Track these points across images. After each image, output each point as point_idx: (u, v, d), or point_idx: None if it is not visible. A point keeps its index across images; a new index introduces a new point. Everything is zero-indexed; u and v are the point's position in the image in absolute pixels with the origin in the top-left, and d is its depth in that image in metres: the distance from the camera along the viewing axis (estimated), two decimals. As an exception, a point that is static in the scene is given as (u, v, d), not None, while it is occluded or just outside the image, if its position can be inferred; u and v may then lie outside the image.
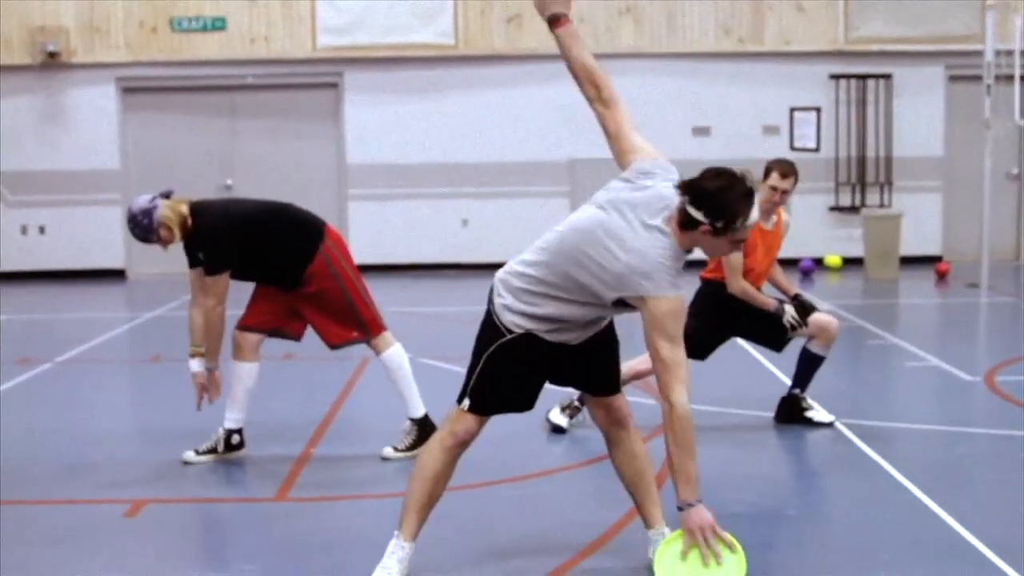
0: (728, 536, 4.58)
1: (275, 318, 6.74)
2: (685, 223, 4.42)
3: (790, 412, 7.40)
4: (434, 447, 4.79)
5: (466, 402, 4.72)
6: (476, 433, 4.77)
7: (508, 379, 4.69)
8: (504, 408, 4.78)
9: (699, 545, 4.54)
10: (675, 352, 4.39)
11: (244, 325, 6.77)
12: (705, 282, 7.36)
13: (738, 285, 7.19)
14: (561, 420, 7.25)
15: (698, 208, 4.39)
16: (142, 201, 6.51)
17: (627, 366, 7.06)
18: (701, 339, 7.07)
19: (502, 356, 4.66)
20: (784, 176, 7.18)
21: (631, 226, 4.44)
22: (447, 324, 11.85)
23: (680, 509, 4.57)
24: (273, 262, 6.60)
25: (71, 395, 8.98)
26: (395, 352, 6.79)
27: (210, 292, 6.50)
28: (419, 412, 6.77)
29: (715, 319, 7.22)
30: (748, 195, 4.44)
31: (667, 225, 4.44)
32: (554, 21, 4.84)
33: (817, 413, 7.35)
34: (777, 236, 7.39)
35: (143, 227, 6.50)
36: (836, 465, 6.72)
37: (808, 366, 7.41)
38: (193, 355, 6.68)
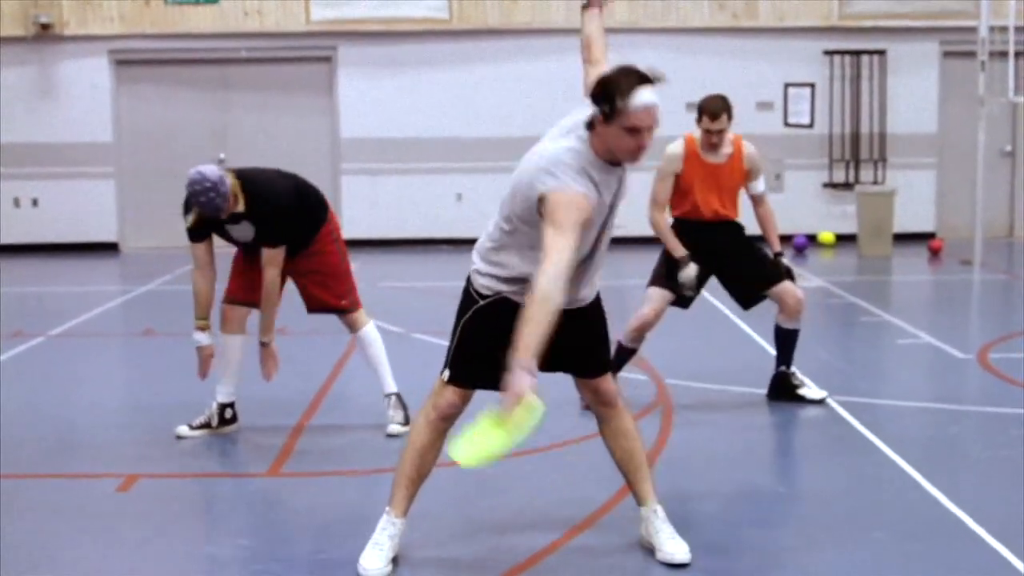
0: (534, 399, 4.20)
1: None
2: (589, 124, 4.45)
3: (781, 389, 7.40)
4: (420, 421, 4.81)
5: (446, 373, 4.75)
6: (460, 406, 4.77)
7: (484, 348, 4.65)
8: (483, 381, 4.70)
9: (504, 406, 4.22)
10: (557, 240, 4.24)
11: (231, 298, 6.78)
12: (676, 220, 7.36)
13: (651, 215, 7.25)
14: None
15: (593, 103, 4.42)
16: (213, 171, 6.28)
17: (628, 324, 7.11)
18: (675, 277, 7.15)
19: (478, 323, 4.68)
20: (713, 117, 7.06)
21: (550, 139, 4.53)
22: (441, 299, 11.82)
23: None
24: (301, 231, 6.65)
25: (64, 369, 8.97)
26: (372, 328, 6.90)
27: (273, 262, 6.48)
28: (394, 388, 6.88)
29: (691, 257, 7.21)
30: (629, 75, 4.38)
31: (583, 133, 4.47)
32: (586, 5, 5.17)
33: (809, 390, 7.36)
34: (732, 170, 7.23)
35: (222, 196, 6.28)
36: (828, 443, 6.74)
37: (782, 341, 7.38)
38: (200, 328, 6.65)
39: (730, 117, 7.12)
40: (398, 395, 6.86)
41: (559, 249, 4.23)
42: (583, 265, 4.57)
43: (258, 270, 6.64)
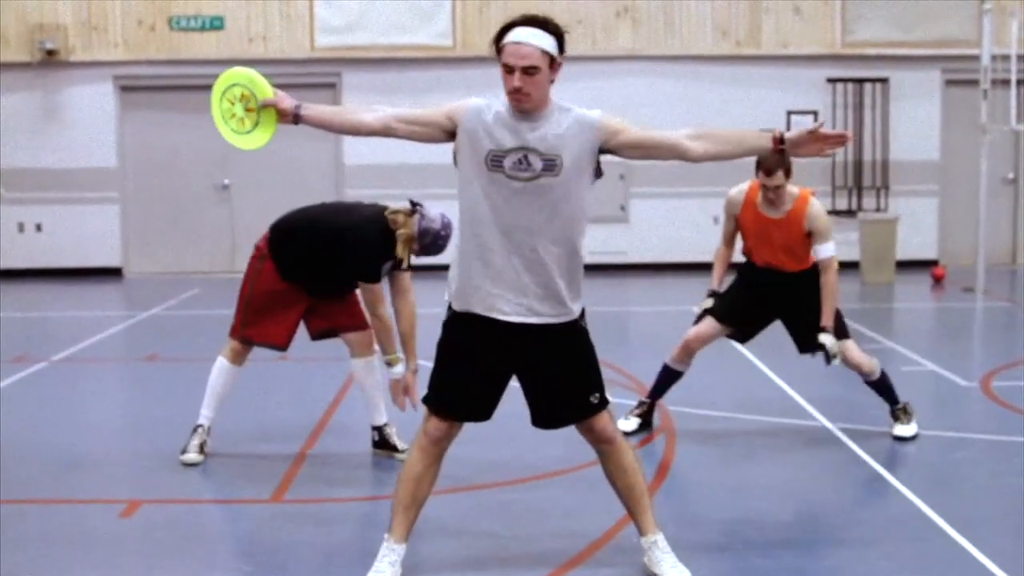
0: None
1: (288, 328, 6.77)
2: None
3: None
4: (414, 448, 4.83)
5: (423, 393, 4.83)
6: (448, 432, 4.77)
7: (454, 367, 4.72)
8: (456, 405, 4.75)
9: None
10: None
11: (267, 342, 6.79)
12: (744, 259, 7.33)
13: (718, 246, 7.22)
14: (629, 425, 7.26)
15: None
16: (442, 215, 6.42)
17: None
18: (743, 318, 7.15)
19: (446, 339, 4.78)
20: (768, 173, 6.82)
21: None
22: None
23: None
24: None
25: (67, 394, 8.97)
26: (375, 358, 6.88)
27: (382, 298, 6.57)
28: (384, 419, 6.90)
29: (751, 299, 7.20)
30: (516, 21, 4.50)
31: None
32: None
33: (902, 428, 7.23)
34: (789, 227, 6.98)
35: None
36: (831, 470, 6.73)
37: (874, 389, 7.35)
38: (391, 363, 6.62)
39: (788, 174, 6.84)
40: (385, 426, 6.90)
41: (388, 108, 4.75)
42: (487, 238, 4.59)
43: (295, 310, 6.66)
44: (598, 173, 4.65)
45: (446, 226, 6.40)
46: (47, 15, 16.62)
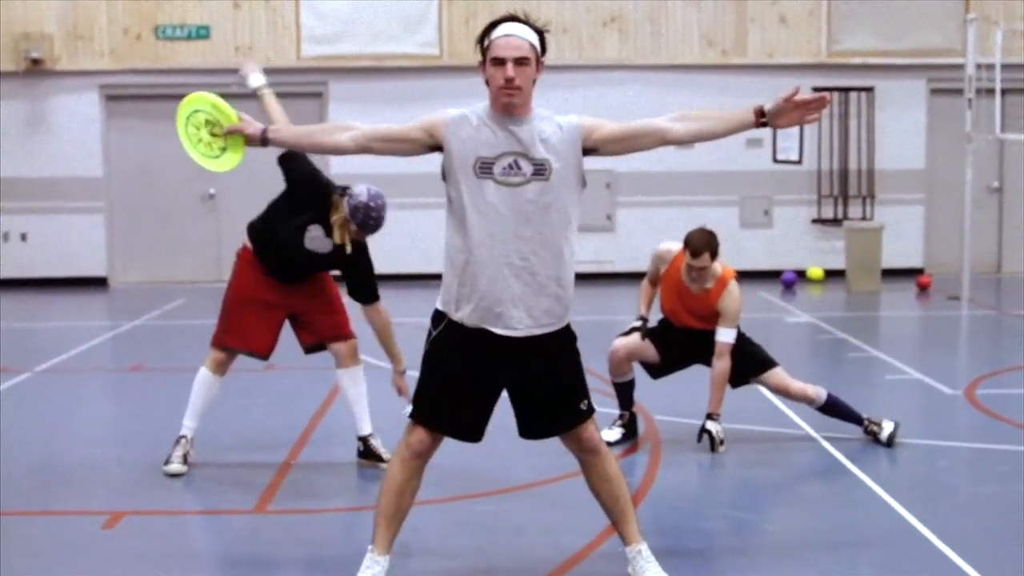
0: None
1: (268, 335, 6.76)
2: (486, 81, 4.59)
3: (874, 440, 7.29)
4: (395, 459, 4.80)
5: (408, 408, 4.76)
6: (431, 445, 4.75)
7: (442, 384, 4.68)
8: (444, 421, 4.72)
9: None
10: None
11: (247, 349, 6.77)
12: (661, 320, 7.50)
13: (644, 281, 7.43)
14: (613, 435, 7.26)
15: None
16: (369, 188, 6.49)
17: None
18: (666, 348, 7.33)
19: (437, 352, 4.70)
20: (695, 254, 6.92)
21: None
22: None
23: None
24: None
25: (50, 404, 8.94)
26: (360, 368, 6.87)
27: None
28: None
29: (674, 340, 7.36)
30: (502, 18, 4.56)
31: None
32: None
33: (880, 430, 7.26)
34: (707, 304, 7.13)
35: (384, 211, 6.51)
36: (815, 479, 6.74)
37: (831, 414, 7.40)
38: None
39: (714, 255, 6.95)
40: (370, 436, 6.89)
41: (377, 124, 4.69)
42: (480, 249, 4.56)
43: (275, 317, 6.68)
44: (583, 182, 4.65)
45: (374, 197, 6.41)
46: (32, 24, 16.60)
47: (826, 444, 7.26)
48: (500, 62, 4.48)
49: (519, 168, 4.52)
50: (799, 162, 17.14)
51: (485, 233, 4.53)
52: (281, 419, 8.08)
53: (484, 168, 4.52)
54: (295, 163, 6.56)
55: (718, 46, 17.05)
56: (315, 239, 6.54)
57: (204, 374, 6.79)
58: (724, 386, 7.19)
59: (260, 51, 16.79)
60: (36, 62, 16.51)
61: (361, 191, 6.40)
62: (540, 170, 4.53)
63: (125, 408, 9.13)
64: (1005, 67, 14.21)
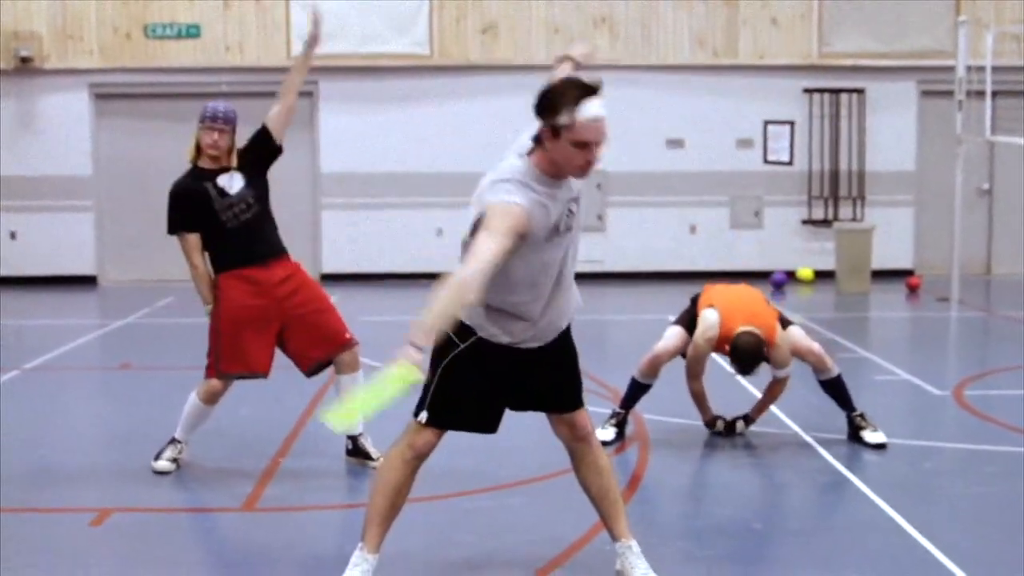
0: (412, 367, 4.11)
1: (266, 351, 6.67)
2: (535, 139, 4.45)
3: (850, 433, 7.34)
4: (394, 459, 4.76)
5: (423, 415, 4.69)
6: (435, 445, 4.76)
7: (464, 394, 4.67)
8: (463, 425, 4.76)
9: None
10: (486, 241, 4.24)
11: (248, 371, 6.68)
12: None
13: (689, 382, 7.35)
14: (607, 434, 7.26)
15: (537, 116, 4.40)
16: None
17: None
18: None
19: (458, 368, 4.65)
20: (745, 372, 7.22)
21: (499, 164, 4.54)
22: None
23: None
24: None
25: (38, 402, 8.92)
26: (360, 373, 6.77)
27: (196, 248, 6.68)
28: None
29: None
30: (575, 87, 4.37)
31: (527, 154, 4.47)
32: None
33: (870, 434, 7.27)
34: None
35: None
36: (804, 479, 6.74)
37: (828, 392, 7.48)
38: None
39: (764, 361, 7.17)
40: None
41: (485, 249, 4.22)
42: (546, 292, 4.56)
43: (268, 332, 6.60)
44: None
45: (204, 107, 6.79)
46: (22, 23, 16.56)
47: (815, 444, 7.26)
48: (584, 145, 4.34)
49: (573, 213, 4.56)
50: (790, 163, 17.15)
51: (553, 280, 4.58)
52: (269, 417, 8.07)
53: (553, 231, 4.49)
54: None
55: (709, 47, 17.05)
56: (221, 189, 6.62)
57: (196, 404, 6.68)
58: (773, 403, 7.45)
59: (250, 50, 16.79)
60: (25, 61, 16.46)
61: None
62: (577, 200, 4.60)
63: (113, 406, 9.10)
64: (995, 69, 14.25)
